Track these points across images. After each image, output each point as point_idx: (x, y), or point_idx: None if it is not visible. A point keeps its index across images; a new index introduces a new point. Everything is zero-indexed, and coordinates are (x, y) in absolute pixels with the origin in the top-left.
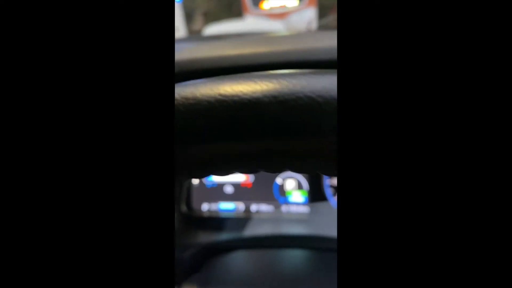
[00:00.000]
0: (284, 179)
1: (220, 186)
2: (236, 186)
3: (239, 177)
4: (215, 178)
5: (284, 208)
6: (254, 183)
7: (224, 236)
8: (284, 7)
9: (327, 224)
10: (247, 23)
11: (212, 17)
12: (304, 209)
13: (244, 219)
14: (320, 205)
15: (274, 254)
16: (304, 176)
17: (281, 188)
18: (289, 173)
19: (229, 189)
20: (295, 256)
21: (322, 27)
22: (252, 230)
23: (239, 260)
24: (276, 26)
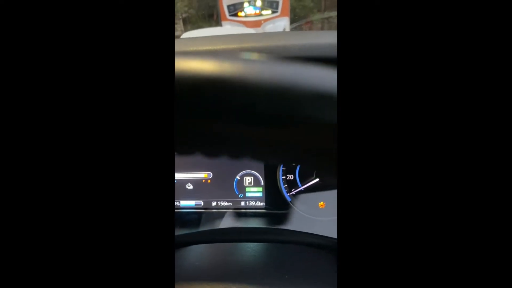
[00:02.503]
0: (242, 176)
1: (181, 182)
2: (197, 182)
3: (199, 174)
4: (176, 175)
5: (242, 203)
6: (214, 179)
7: (182, 231)
8: (259, 14)
9: (282, 217)
10: (225, 30)
11: (191, 23)
12: (261, 203)
13: (204, 214)
14: (276, 199)
15: (230, 247)
16: (260, 173)
17: (240, 184)
18: (247, 170)
19: (189, 186)
20: (251, 249)
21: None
22: (211, 225)
23: (194, 254)
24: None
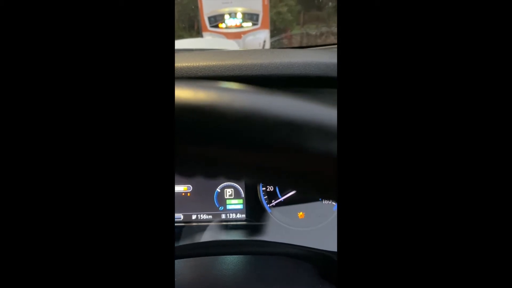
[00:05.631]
0: (222, 188)
1: None
2: (176, 195)
3: (178, 187)
4: None
5: (223, 215)
6: (194, 192)
7: None
8: (240, 26)
9: (263, 229)
10: (205, 41)
11: None
12: (242, 216)
13: (183, 228)
14: (257, 211)
15: (211, 260)
16: (241, 185)
17: (220, 196)
18: (227, 182)
19: None
20: (232, 262)
21: (273, 45)
22: (192, 239)
23: (175, 269)
24: (231, 45)
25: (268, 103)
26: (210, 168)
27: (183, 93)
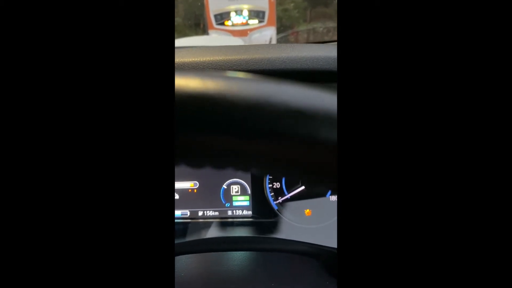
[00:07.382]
0: (229, 185)
1: None
2: (183, 192)
3: (185, 184)
4: None
5: (229, 212)
6: (201, 189)
7: None
8: (246, 24)
9: (269, 226)
10: (211, 39)
11: (178, 32)
12: (248, 212)
13: (190, 224)
14: (263, 208)
15: (216, 256)
16: (247, 181)
17: (227, 193)
18: (234, 179)
19: (175, 196)
20: (237, 258)
21: (280, 42)
22: (198, 235)
23: (180, 265)
24: (238, 43)
25: (277, 92)
26: (217, 159)
27: (188, 82)
